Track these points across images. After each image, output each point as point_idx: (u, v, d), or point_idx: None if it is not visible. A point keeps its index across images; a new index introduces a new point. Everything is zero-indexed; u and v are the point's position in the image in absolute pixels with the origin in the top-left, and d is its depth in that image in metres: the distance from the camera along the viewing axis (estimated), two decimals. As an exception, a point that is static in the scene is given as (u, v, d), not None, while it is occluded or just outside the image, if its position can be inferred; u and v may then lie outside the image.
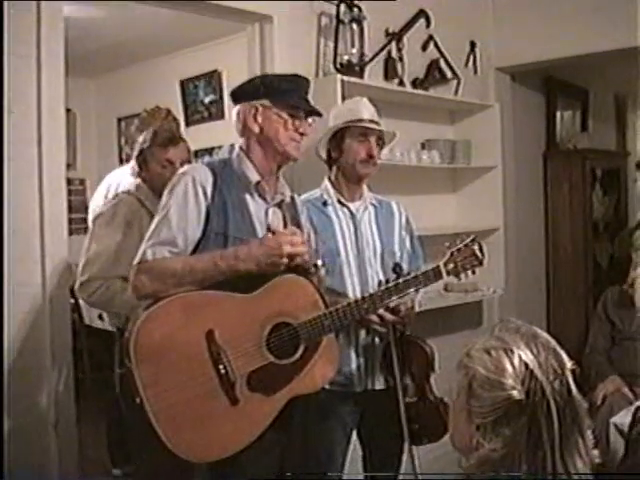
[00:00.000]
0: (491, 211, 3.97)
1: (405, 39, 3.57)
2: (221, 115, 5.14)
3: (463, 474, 1.31)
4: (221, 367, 1.84)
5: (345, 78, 3.08)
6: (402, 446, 2.38)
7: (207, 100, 5.24)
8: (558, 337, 1.31)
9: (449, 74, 3.82)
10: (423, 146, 3.83)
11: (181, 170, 2.04)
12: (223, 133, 4.53)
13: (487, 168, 3.97)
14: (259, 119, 2.03)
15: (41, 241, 2.45)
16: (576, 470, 1.22)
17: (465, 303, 3.88)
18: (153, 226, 1.96)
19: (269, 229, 2.03)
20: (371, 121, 2.46)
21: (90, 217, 2.88)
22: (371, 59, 3.35)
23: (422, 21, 3.63)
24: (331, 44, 3.24)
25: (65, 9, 2.56)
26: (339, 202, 2.47)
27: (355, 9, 3.22)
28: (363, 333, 2.39)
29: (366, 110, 2.48)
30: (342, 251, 2.41)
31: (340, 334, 2.25)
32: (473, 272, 2.21)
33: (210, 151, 4.65)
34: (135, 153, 2.73)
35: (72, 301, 2.81)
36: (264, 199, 2.07)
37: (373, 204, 2.52)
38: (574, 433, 1.23)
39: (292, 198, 2.18)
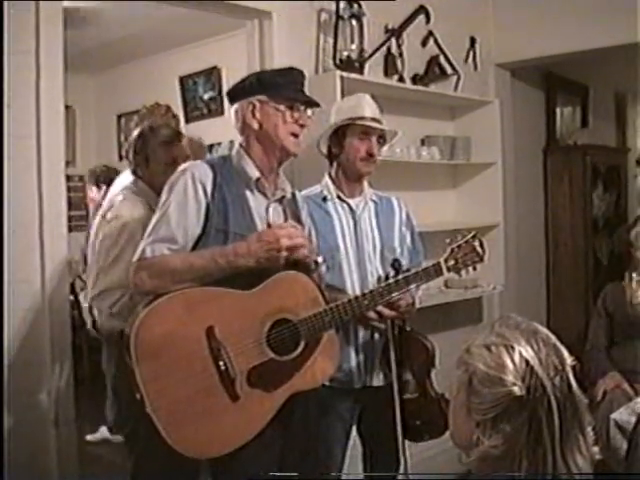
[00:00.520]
0: (491, 207, 3.97)
1: (405, 35, 3.56)
2: (221, 112, 5.13)
3: (462, 473, 1.31)
4: (221, 363, 1.84)
5: (345, 74, 3.07)
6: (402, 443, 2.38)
7: (206, 97, 5.24)
8: (558, 333, 1.30)
9: (449, 70, 3.81)
10: (423, 142, 3.82)
11: (180, 167, 2.04)
12: (223, 130, 4.53)
13: (487, 164, 3.96)
14: (257, 115, 2.03)
15: (40, 238, 2.44)
16: (576, 466, 1.22)
17: (465, 299, 3.87)
18: (152, 223, 1.96)
19: (269, 225, 2.02)
20: (373, 119, 2.45)
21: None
22: (371, 55, 3.34)
23: (422, 17, 3.62)
24: (331, 40, 3.23)
25: (65, 4, 2.55)
26: (339, 198, 2.46)
27: (355, 5, 3.21)
28: (362, 330, 2.38)
29: (368, 107, 2.47)
30: (342, 247, 2.41)
31: (340, 331, 2.25)
32: (474, 268, 2.22)
33: (210, 148, 4.65)
34: (132, 151, 2.64)
35: (72, 298, 2.79)
36: (264, 195, 2.07)
37: (373, 200, 2.52)
38: (574, 429, 1.23)
39: (293, 194, 2.19)
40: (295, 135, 2.04)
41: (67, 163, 2.70)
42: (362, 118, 2.44)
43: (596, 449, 1.28)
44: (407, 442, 2.38)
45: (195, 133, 3.56)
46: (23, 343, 2.40)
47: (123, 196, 2.57)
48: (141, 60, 5.48)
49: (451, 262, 2.18)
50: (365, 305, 2.10)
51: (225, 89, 4.79)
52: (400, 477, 2.47)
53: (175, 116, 5.36)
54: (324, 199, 2.45)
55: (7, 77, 2.32)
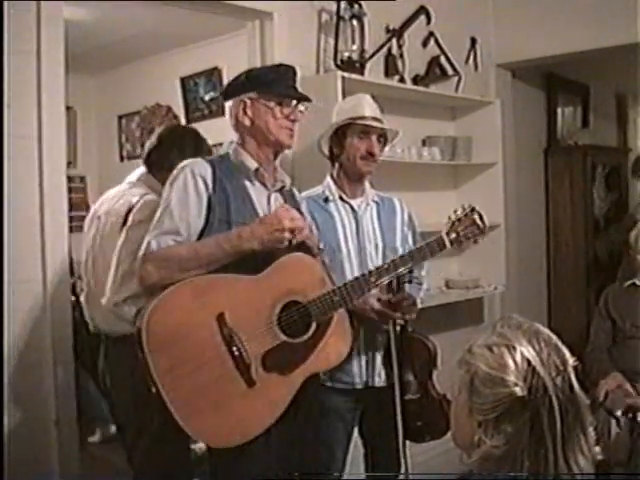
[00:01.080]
0: (492, 208, 3.95)
1: (406, 36, 3.56)
2: (222, 112, 5.11)
3: (462, 473, 1.31)
4: (234, 349, 1.84)
5: (346, 75, 3.07)
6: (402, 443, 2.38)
7: (207, 97, 5.23)
8: (559, 333, 1.30)
9: (450, 71, 3.81)
10: (424, 142, 3.82)
11: (180, 165, 2.05)
12: (224, 130, 4.52)
13: (488, 164, 3.96)
14: (249, 112, 2.06)
15: (42, 239, 2.44)
16: (578, 466, 1.22)
17: (466, 300, 3.86)
18: (156, 218, 1.98)
19: None
20: (373, 118, 2.46)
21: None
22: (372, 56, 3.35)
23: (423, 18, 3.62)
24: (331, 41, 3.23)
25: (65, 7, 2.55)
26: (341, 199, 2.47)
27: (355, 6, 3.21)
28: (364, 330, 2.38)
29: (368, 107, 2.48)
30: (343, 247, 2.41)
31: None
32: (475, 241, 2.22)
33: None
34: (144, 155, 2.59)
35: (73, 298, 2.78)
36: (264, 185, 2.10)
37: (375, 201, 2.52)
38: (576, 430, 1.23)
39: (290, 190, 2.23)
40: (288, 129, 2.08)
41: (68, 164, 2.69)
42: (362, 117, 2.44)
43: (598, 449, 1.28)
44: (408, 443, 2.38)
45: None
46: (24, 343, 2.40)
47: (140, 196, 2.45)
48: (142, 61, 5.47)
49: (453, 235, 2.19)
50: (372, 282, 2.10)
51: (226, 90, 4.80)
52: (401, 478, 2.47)
53: (176, 117, 5.35)
54: (326, 200, 2.46)
55: (7, 77, 2.31)
